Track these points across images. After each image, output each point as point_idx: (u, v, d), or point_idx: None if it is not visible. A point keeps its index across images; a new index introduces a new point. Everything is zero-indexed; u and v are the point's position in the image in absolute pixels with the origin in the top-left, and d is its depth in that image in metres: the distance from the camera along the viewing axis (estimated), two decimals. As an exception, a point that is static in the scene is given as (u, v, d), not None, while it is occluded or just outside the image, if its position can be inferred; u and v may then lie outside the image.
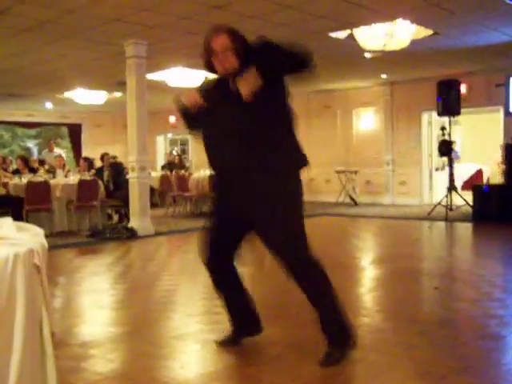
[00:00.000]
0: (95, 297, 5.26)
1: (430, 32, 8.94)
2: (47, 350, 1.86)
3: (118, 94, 14.51)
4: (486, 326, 3.99)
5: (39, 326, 1.84)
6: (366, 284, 5.70)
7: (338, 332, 3.23)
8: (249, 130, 3.10)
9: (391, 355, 3.37)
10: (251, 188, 3.14)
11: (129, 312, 4.70)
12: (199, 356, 3.54)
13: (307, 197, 3.37)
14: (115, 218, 10.93)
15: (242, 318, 3.55)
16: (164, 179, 14.27)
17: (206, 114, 3.19)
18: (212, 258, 3.37)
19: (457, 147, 15.02)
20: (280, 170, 3.14)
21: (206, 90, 3.29)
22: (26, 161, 11.64)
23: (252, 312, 3.52)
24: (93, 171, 11.51)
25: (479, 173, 15.49)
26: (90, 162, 12.09)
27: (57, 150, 14.44)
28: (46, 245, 2.01)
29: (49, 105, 16.69)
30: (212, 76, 3.41)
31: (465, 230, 9.80)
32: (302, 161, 3.23)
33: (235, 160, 3.13)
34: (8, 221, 2.06)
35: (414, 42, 8.88)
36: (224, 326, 4.01)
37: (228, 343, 3.53)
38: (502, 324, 4.02)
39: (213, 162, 3.29)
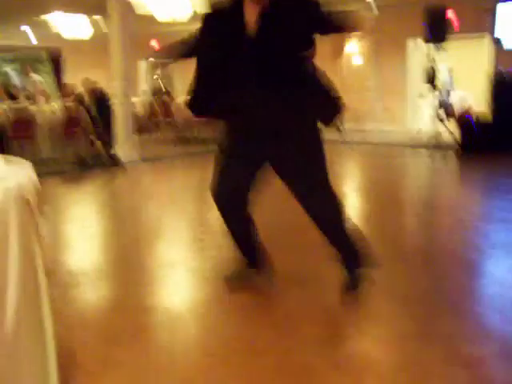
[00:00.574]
0: (81, 226, 5.31)
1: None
2: (41, 283, 1.92)
3: (97, 18, 14.08)
4: (460, 253, 4.13)
5: (33, 260, 1.89)
6: (348, 212, 5.80)
7: (350, 256, 3.23)
8: (274, 64, 2.91)
9: (374, 281, 3.49)
10: (277, 121, 2.98)
11: (115, 240, 4.78)
12: (186, 283, 3.64)
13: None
14: (98, 144, 10.85)
15: (252, 253, 3.39)
16: (148, 106, 14.10)
17: (216, 45, 2.97)
18: (225, 195, 3.16)
19: (443, 74, 14.95)
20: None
21: (215, 16, 3.06)
22: (6, 88, 11.41)
23: (260, 249, 3.40)
24: (72, 97, 11.30)
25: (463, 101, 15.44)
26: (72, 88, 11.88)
27: (33, 75, 14.05)
28: (36, 178, 2.03)
29: (26, 29, 16.18)
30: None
31: (448, 158, 9.86)
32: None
33: (264, 98, 2.93)
34: (-5, 155, 2.06)
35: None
36: (210, 252, 4.12)
37: (238, 279, 3.41)
38: (477, 251, 4.17)
39: (233, 99, 3.00)
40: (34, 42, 18.26)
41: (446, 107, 12.41)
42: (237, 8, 2.92)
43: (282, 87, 2.91)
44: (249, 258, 3.38)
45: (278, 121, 2.96)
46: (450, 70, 14.45)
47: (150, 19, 13.70)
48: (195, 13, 12.05)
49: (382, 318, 3.01)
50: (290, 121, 2.97)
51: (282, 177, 3.10)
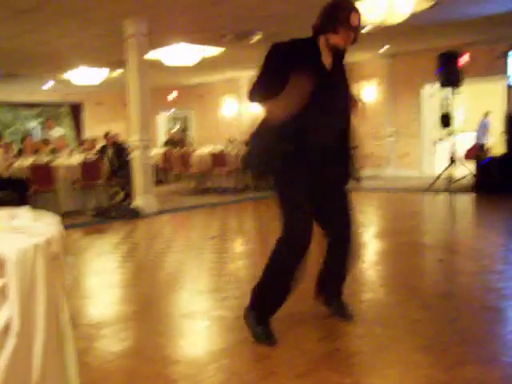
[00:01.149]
0: (103, 276, 5.37)
1: (430, 3, 8.89)
2: (67, 335, 1.95)
3: (118, 71, 14.47)
4: (486, 299, 4.09)
5: (59, 312, 1.93)
6: (370, 258, 5.79)
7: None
8: (346, 111, 3.38)
9: (395, 329, 3.47)
10: (340, 160, 3.42)
11: (137, 291, 4.80)
12: (209, 333, 3.64)
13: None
14: (119, 196, 11.00)
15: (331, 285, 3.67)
16: (167, 156, 14.32)
17: (301, 83, 3.10)
18: (309, 232, 3.27)
19: (458, 118, 15.04)
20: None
21: (294, 49, 3.26)
22: (31, 141, 11.71)
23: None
24: (96, 150, 11.56)
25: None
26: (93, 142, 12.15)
27: (58, 128, 14.42)
28: (64, 232, 2.08)
29: (49, 84, 16.66)
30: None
31: (467, 201, 9.87)
32: None
33: (339, 137, 3.37)
34: (24, 210, 2.13)
35: (413, 15, 8.84)
36: (232, 302, 4.13)
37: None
38: (501, 296, 4.12)
39: (310, 137, 3.23)
40: (57, 96, 18.77)
41: (462, 148, 12.47)
42: (314, 48, 3.28)
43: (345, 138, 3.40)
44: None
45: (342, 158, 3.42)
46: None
47: (169, 71, 14.10)
48: (203, 58, 12.38)
49: (407, 366, 2.97)
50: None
51: (337, 205, 3.45)
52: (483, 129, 14.91)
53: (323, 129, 3.23)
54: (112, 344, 3.43)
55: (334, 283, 3.65)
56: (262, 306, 3.37)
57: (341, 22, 3.16)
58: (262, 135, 3.30)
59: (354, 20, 3.17)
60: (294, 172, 3.26)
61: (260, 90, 3.22)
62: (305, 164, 3.26)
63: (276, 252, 3.30)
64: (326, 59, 3.28)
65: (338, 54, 3.33)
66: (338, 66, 3.35)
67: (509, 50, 10.21)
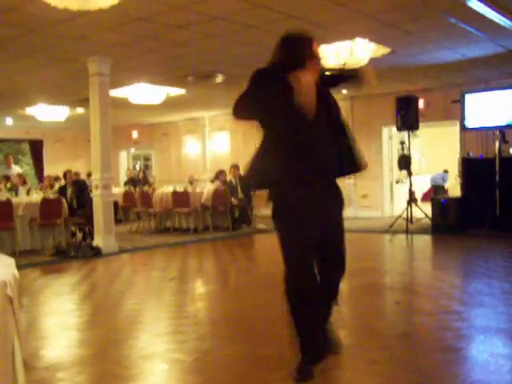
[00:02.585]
0: (60, 318, 5.26)
1: (387, 50, 9.19)
2: (19, 379, 1.92)
3: (80, 110, 14.45)
4: (443, 339, 4.15)
5: (12, 355, 1.90)
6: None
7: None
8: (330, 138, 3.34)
9: (353, 370, 3.49)
10: (332, 195, 3.42)
11: (95, 333, 4.72)
12: (167, 376, 3.59)
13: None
14: (79, 235, 10.86)
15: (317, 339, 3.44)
16: (127, 195, 14.24)
17: (279, 112, 3.18)
18: (310, 272, 3.28)
19: (416, 160, 15.44)
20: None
21: (274, 72, 3.28)
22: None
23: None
24: (56, 189, 11.42)
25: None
26: (52, 180, 12.00)
27: (15, 167, 14.23)
28: (18, 275, 2.06)
29: (9, 121, 16.50)
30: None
31: (424, 242, 10.05)
32: None
33: (330, 167, 3.30)
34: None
35: (372, 60, 9.11)
36: (190, 345, 4.09)
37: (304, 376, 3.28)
38: (459, 336, 4.18)
39: (300, 167, 3.23)
40: (17, 132, 18.57)
41: (420, 190, 12.79)
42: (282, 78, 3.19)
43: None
44: (313, 346, 3.35)
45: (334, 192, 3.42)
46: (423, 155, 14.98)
47: (133, 109, 14.13)
48: (168, 96, 12.49)
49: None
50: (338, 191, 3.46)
51: (331, 242, 3.41)
52: (440, 177, 15.43)
53: (307, 162, 3.21)
54: (67, 388, 3.35)
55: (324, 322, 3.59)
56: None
57: (303, 52, 3.26)
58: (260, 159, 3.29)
59: (317, 49, 3.31)
60: (291, 207, 3.23)
61: (242, 110, 3.26)
62: (300, 196, 3.22)
63: (284, 290, 3.28)
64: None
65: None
66: (321, 92, 3.29)
67: (462, 96, 10.56)
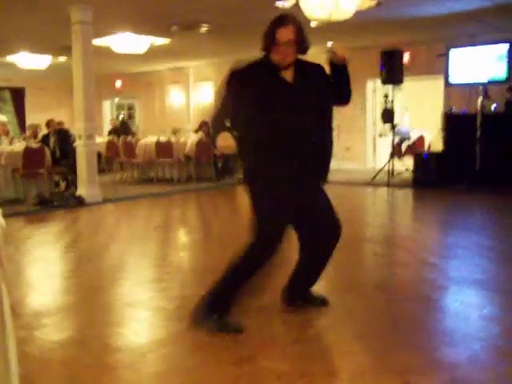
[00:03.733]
0: (45, 266, 5.34)
1: (373, 2, 9.11)
2: (7, 324, 1.99)
3: (62, 59, 14.21)
4: (418, 289, 4.31)
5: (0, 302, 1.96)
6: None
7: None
8: (318, 117, 3.39)
9: (330, 318, 3.63)
10: (316, 165, 3.43)
11: (79, 281, 4.81)
12: (150, 322, 3.70)
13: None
14: (62, 185, 10.85)
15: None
16: (111, 145, 14.18)
17: (262, 101, 3.23)
18: (279, 244, 3.36)
19: (404, 115, 15.47)
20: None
21: (251, 74, 3.31)
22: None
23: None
24: (39, 138, 11.35)
25: (421, 139, 15.95)
26: (35, 129, 11.91)
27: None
28: (4, 223, 2.11)
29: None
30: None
31: (405, 195, 10.20)
32: None
33: (313, 149, 3.35)
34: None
35: (358, 13, 9.04)
36: (173, 292, 4.20)
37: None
38: (433, 287, 4.35)
39: (286, 151, 3.28)
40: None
41: (401, 145, 12.89)
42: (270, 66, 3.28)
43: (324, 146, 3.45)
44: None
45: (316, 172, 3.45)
46: (406, 109, 15.01)
47: (116, 58, 13.93)
48: (152, 46, 12.33)
49: (340, 353, 3.13)
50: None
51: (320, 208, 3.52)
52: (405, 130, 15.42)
53: (293, 139, 3.27)
54: (53, 333, 3.45)
55: (310, 283, 3.77)
56: (223, 300, 3.42)
57: (270, 39, 3.23)
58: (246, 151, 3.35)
59: (280, 35, 3.20)
60: (272, 184, 3.29)
61: (218, 119, 3.25)
62: (282, 174, 3.29)
63: (245, 257, 3.33)
64: (285, 73, 3.30)
65: (304, 66, 3.37)
66: (305, 77, 3.35)
67: (447, 50, 10.56)
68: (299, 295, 3.78)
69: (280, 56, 3.24)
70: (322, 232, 3.55)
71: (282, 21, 3.24)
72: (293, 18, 3.28)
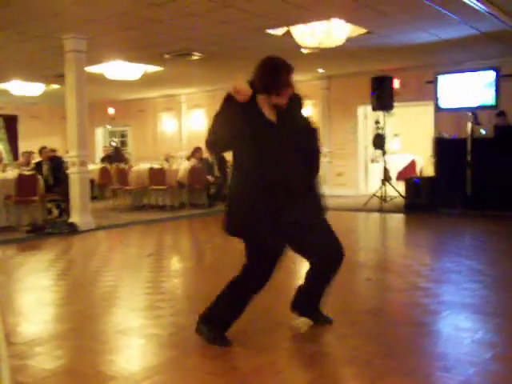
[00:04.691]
0: (38, 294, 5.32)
1: (363, 31, 9.27)
2: (2, 353, 2.00)
3: (55, 86, 14.31)
4: (410, 314, 4.33)
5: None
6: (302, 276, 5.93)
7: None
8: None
9: (323, 344, 3.64)
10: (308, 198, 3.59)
11: (72, 308, 4.80)
12: (143, 350, 3.69)
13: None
14: (55, 212, 10.84)
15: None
16: (104, 172, 14.21)
17: (251, 130, 3.38)
18: (271, 273, 3.56)
19: (395, 140, 15.61)
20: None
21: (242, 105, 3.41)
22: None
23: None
24: (32, 165, 11.37)
25: (412, 164, 16.08)
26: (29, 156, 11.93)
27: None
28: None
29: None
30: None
31: (397, 220, 10.26)
32: None
33: (296, 177, 3.49)
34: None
35: (349, 40, 9.19)
36: (166, 320, 4.20)
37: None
38: (426, 311, 4.36)
39: (270, 176, 3.40)
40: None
41: (394, 169, 12.98)
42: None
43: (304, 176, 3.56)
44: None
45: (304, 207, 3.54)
46: (397, 135, 15.14)
47: (109, 86, 14.03)
48: (145, 73, 12.44)
49: (332, 379, 3.13)
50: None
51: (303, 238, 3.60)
52: None
53: (279, 176, 3.40)
54: (46, 362, 3.44)
55: (315, 302, 3.93)
56: (219, 321, 3.60)
57: (283, 85, 3.40)
58: (239, 198, 3.47)
59: (291, 79, 3.43)
60: (262, 217, 3.39)
61: (216, 139, 3.42)
62: (269, 207, 3.39)
63: (237, 283, 3.54)
64: (270, 113, 3.44)
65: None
66: (286, 114, 3.48)
67: (436, 77, 10.72)
68: (303, 311, 3.96)
69: (284, 98, 3.42)
70: (322, 256, 3.72)
71: (290, 66, 3.46)
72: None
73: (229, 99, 3.38)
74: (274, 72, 3.41)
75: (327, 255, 3.72)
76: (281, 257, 3.60)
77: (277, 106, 3.44)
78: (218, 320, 3.59)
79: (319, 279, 3.82)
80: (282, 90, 3.40)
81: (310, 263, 3.80)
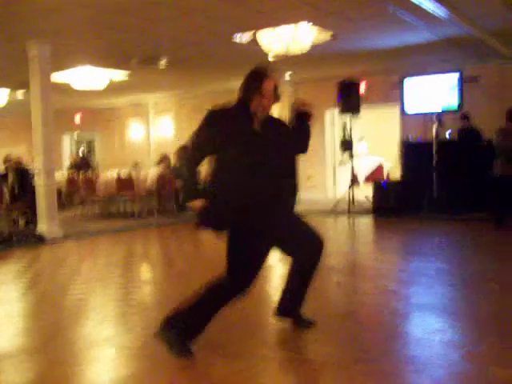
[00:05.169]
0: (5, 307, 5.22)
1: (329, 36, 9.34)
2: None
3: (20, 96, 14.09)
4: (381, 317, 4.38)
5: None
6: (273, 282, 5.95)
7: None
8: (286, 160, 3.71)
9: (296, 351, 3.65)
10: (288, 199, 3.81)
11: (41, 321, 4.72)
12: (114, 361, 3.66)
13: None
14: (21, 222, 10.67)
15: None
16: (71, 180, 14.05)
17: (237, 143, 3.40)
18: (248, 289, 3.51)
19: (361, 144, 15.76)
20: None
21: (227, 118, 3.47)
22: None
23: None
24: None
25: (380, 167, 16.26)
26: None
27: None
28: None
29: None
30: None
31: (366, 224, 10.35)
32: None
33: (285, 186, 3.69)
34: None
35: (314, 46, 9.25)
36: (137, 330, 4.16)
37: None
38: (396, 314, 4.41)
39: (258, 188, 3.44)
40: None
41: (362, 172, 13.10)
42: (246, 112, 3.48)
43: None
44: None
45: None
46: (363, 138, 15.31)
47: (76, 93, 13.88)
48: (111, 82, 12.35)
49: (306, 385, 3.15)
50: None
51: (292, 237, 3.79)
52: None
53: (263, 183, 3.45)
54: (14, 376, 3.38)
55: (299, 300, 3.96)
56: (185, 329, 3.48)
57: (255, 88, 3.43)
58: (218, 192, 3.44)
59: (267, 85, 3.43)
60: (250, 225, 3.43)
61: (194, 153, 3.44)
62: (257, 214, 3.44)
63: (213, 291, 3.46)
64: (255, 123, 3.50)
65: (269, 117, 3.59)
66: (270, 124, 3.58)
67: (401, 80, 10.87)
68: (287, 310, 4.00)
69: (265, 106, 3.47)
70: (306, 247, 3.84)
71: (267, 72, 3.47)
72: (271, 69, 3.51)
73: (211, 116, 3.42)
74: (245, 80, 3.49)
75: (310, 245, 3.83)
76: (267, 258, 3.59)
77: (262, 115, 3.50)
78: (186, 326, 3.48)
79: (302, 275, 3.86)
80: (252, 97, 3.42)
81: (293, 259, 3.86)
